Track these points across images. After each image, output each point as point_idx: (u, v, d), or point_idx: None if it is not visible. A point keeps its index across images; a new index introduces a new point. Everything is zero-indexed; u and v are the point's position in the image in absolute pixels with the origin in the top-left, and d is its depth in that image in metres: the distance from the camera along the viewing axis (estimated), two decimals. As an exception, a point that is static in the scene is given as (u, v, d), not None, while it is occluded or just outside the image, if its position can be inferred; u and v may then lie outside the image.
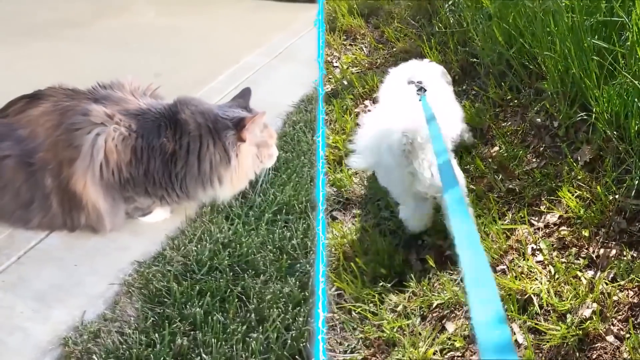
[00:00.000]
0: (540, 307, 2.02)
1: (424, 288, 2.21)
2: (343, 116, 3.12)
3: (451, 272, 2.28)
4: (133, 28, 5.22)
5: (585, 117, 2.51)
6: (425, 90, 2.50)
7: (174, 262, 2.39)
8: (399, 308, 2.17)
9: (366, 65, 3.57)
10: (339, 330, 2.17)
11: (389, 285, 2.26)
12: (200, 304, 2.16)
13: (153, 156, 2.41)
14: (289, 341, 2.01)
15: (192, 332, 2.07)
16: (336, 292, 2.30)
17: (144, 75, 3.99)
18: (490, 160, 2.68)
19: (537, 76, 2.82)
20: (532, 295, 2.05)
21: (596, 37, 2.39)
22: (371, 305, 2.20)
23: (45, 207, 2.42)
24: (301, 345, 2.01)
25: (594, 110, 2.41)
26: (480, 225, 2.34)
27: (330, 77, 3.62)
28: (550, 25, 2.55)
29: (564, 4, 2.43)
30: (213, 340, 2.01)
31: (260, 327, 2.07)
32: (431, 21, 3.60)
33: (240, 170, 2.53)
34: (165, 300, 2.20)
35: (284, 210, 2.68)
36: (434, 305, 2.16)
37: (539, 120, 2.75)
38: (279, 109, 3.63)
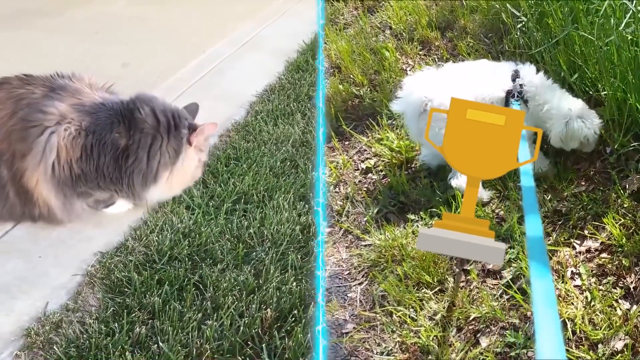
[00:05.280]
0: (573, 332, 2.03)
1: (464, 299, 2.24)
2: None
3: (491, 286, 2.31)
4: (102, 17, 5.22)
5: (637, 147, 2.56)
6: (518, 97, 2.62)
7: (136, 252, 2.46)
8: (437, 317, 2.20)
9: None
10: (378, 331, 2.22)
11: (431, 292, 2.30)
12: (159, 293, 2.24)
13: (103, 152, 2.45)
14: (242, 327, 2.10)
15: (150, 321, 2.15)
16: (381, 294, 2.36)
17: (111, 65, 4.07)
18: (541, 179, 2.70)
19: (596, 102, 2.86)
20: (566, 320, 2.06)
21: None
22: (411, 310, 2.24)
23: (3, 197, 2.46)
24: (253, 331, 2.09)
25: (646, 141, 2.48)
26: (524, 243, 2.34)
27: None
28: (614, 56, 2.63)
29: (629, 38, 2.51)
30: (170, 328, 2.09)
31: (215, 315, 2.15)
32: (502, 40, 3.67)
33: (181, 172, 2.60)
34: (126, 290, 2.28)
35: (242, 200, 2.75)
36: (471, 318, 2.18)
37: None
38: (243, 99, 3.69)
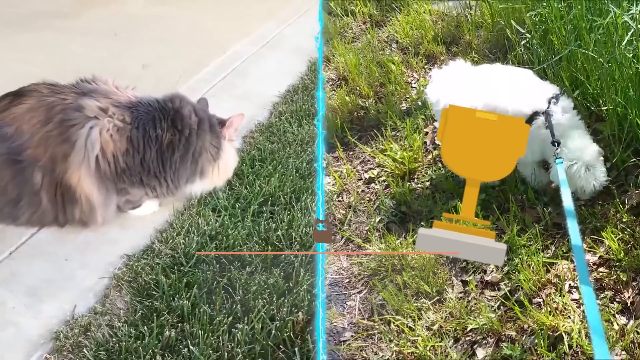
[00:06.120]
0: (570, 346, 2.01)
1: (462, 310, 2.22)
2: (412, 134, 3.20)
3: (489, 298, 2.30)
4: (121, 18, 5.21)
5: (637, 162, 2.56)
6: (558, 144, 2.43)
7: (163, 255, 2.44)
8: (435, 327, 2.19)
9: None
10: (376, 339, 2.21)
11: (429, 302, 2.29)
12: (187, 296, 2.22)
13: (149, 145, 2.48)
14: (274, 331, 2.07)
15: (179, 324, 2.13)
16: (380, 302, 2.34)
17: (132, 65, 4.06)
18: (542, 191, 2.69)
19: (597, 118, 2.88)
20: (563, 334, 2.04)
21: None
22: (409, 320, 2.24)
23: (35, 203, 2.45)
24: (285, 335, 2.06)
25: (646, 157, 2.47)
26: (523, 255, 2.35)
27: (407, 96, 3.73)
28: (615, 72, 2.65)
29: (631, 55, 2.53)
30: (200, 331, 2.07)
31: (246, 318, 2.13)
32: (507, 55, 3.68)
33: (223, 166, 2.68)
34: (154, 293, 2.26)
35: (269, 202, 2.73)
36: (468, 329, 2.17)
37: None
38: (266, 99, 3.67)
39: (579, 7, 2.80)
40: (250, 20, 5.08)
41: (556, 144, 2.37)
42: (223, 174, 2.73)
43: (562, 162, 2.22)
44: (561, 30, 3.04)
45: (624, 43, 2.51)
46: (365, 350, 2.16)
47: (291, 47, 4.53)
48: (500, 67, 2.90)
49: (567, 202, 1.83)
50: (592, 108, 2.89)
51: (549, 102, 2.55)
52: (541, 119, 2.51)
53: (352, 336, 2.22)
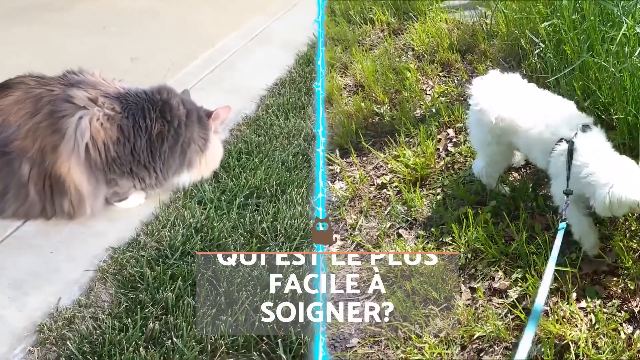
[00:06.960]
0: (577, 355, 2.01)
1: (469, 317, 2.23)
2: (426, 141, 3.21)
3: (497, 305, 2.31)
4: (111, 11, 5.21)
5: None
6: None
7: (148, 247, 2.45)
8: (442, 334, 2.20)
9: (455, 96, 3.73)
10: (383, 346, 2.22)
11: (437, 309, 2.29)
12: (172, 288, 2.22)
13: (139, 135, 2.50)
14: (257, 323, 2.08)
15: (163, 316, 2.14)
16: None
17: (121, 59, 4.05)
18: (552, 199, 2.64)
19: (608, 126, 2.85)
20: (570, 342, 2.04)
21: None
22: (417, 326, 2.24)
23: (22, 196, 2.45)
24: (268, 326, 2.08)
25: (656, 165, 2.50)
26: (532, 262, 2.34)
27: (421, 103, 3.76)
28: (627, 82, 2.69)
29: None
30: (184, 323, 2.07)
31: (230, 310, 2.14)
32: (520, 64, 3.70)
33: (210, 157, 2.72)
34: (139, 285, 2.26)
35: (255, 194, 2.74)
36: (475, 337, 2.17)
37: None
38: (253, 93, 3.68)
39: (592, 18, 2.82)
40: (239, 14, 5.07)
41: (566, 195, 2.26)
42: (210, 165, 2.77)
43: (564, 227, 2.14)
44: (574, 41, 3.06)
45: (636, 54, 2.54)
46: (370, 357, 2.18)
47: (279, 41, 4.54)
48: (546, 92, 2.68)
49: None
50: (603, 117, 2.90)
51: (577, 131, 2.35)
52: (565, 145, 2.34)
53: (358, 342, 2.23)
